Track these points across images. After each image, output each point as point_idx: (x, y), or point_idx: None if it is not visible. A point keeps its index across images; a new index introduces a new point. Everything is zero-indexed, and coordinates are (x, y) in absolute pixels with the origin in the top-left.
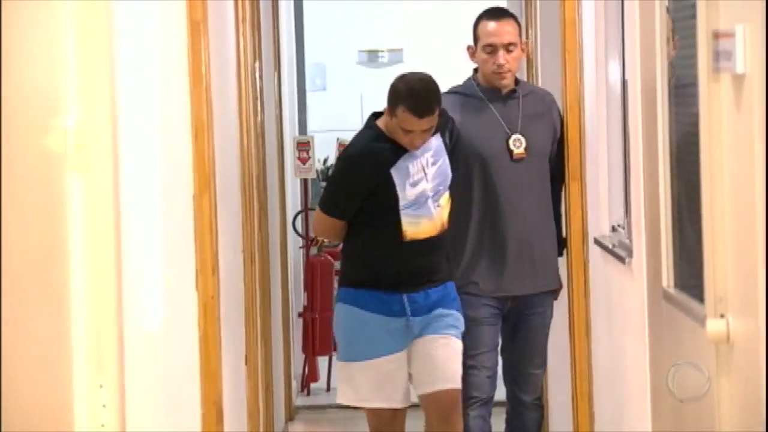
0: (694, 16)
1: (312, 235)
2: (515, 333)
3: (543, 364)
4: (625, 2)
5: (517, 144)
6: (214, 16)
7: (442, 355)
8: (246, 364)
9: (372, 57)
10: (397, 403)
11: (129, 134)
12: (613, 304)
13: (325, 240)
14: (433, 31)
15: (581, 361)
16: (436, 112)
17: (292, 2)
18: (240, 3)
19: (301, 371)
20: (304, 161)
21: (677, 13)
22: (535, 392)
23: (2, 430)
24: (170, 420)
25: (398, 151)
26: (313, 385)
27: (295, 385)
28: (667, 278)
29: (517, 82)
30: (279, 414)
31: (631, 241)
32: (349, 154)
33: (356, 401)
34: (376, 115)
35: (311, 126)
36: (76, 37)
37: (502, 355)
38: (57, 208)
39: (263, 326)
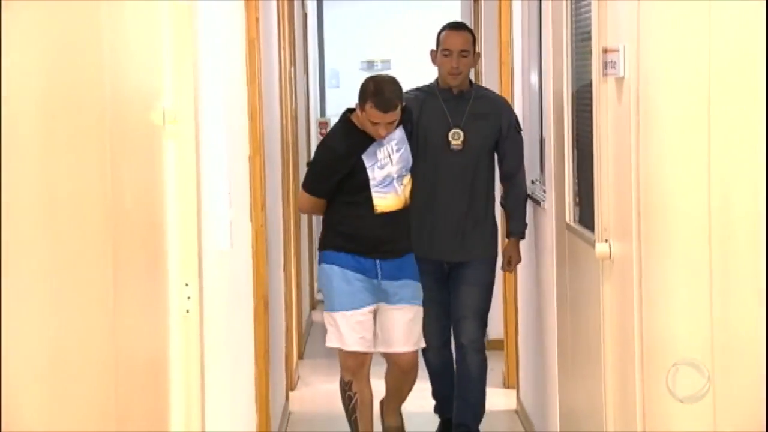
0: (589, 38)
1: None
2: (451, 288)
3: (475, 314)
4: (543, 30)
5: (456, 137)
6: (264, 35)
7: (406, 322)
8: (284, 271)
9: (370, 65)
10: (370, 348)
11: (206, 114)
12: (532, 235)
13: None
14: (413, 46)
15: (509, 276)
16: (398, 108)
17: (316, 26)
18: (281, 26)
19: None
20: (323, 135)
21: (578, 36)
22: (470, 337)
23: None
24: (233, 309)
25: (367, 140)
26: None
27: (317, 285)
28: (569, 215)
29: (472, 85)
30: (305, 306)
31: (544, 190)
32: (326, 142)
33: (341, 345)
34: (350, 111)
35: (329, 111)
36: (172, 46)
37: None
38: (157, 164)
39: (295, 245)
